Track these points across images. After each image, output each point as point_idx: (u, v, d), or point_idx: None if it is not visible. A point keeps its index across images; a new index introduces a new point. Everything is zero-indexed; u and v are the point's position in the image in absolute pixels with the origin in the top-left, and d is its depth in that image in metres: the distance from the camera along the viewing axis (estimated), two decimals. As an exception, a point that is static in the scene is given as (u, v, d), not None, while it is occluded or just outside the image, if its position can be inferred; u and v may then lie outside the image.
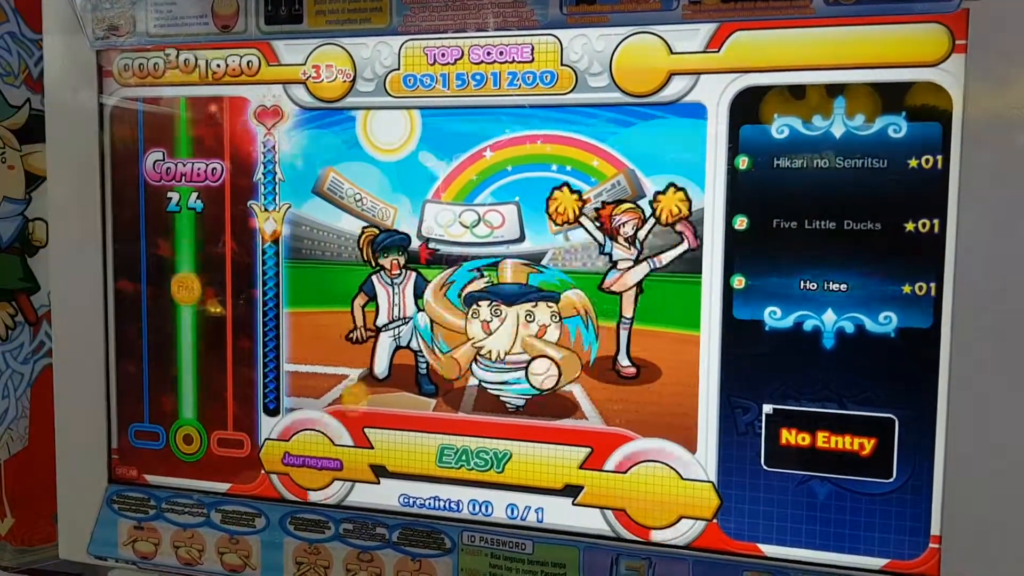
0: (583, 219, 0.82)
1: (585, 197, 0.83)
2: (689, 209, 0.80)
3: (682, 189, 0.80)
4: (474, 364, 0.87)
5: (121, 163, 0.96)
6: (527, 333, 0.86)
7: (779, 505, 0.80)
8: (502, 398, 0.87)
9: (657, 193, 0.81)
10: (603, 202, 0.82)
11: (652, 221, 0.81)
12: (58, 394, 1.00)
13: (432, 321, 0.88)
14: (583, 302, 0.84)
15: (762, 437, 0.80)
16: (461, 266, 0.86)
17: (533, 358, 0.85)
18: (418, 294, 0.88)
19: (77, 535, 1.00)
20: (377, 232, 0.88)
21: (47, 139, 0.98)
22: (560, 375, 0.85)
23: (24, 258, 1.07)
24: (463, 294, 0.87)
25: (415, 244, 0.88)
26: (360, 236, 0.89)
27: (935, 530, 0.76)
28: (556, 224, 0.83)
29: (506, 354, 0.86)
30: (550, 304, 0.85)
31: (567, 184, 0.83)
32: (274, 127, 0.91)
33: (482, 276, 0.86)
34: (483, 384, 0.87)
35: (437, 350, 0.88)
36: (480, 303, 0.86)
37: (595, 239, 0.83)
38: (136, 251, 0.97)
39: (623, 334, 0.83)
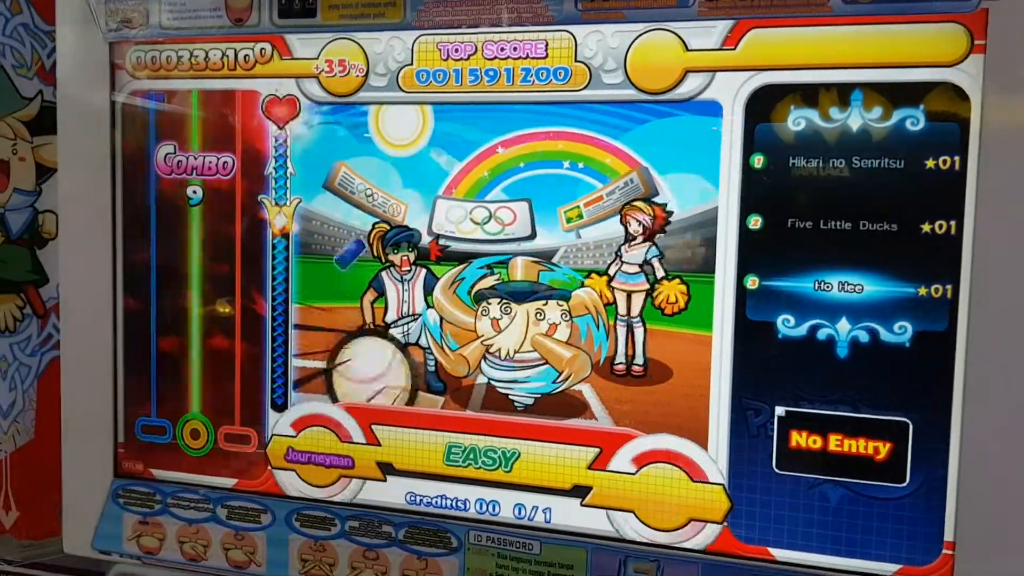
0: (615, 283, 0.82)
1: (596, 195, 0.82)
2: (687, 304, 0.80)
3: (686, 283, 0.80)
4: (483, 362, 0.87)
5: (132, 156, 0.96)
6: (537, 331, 0.85)
7: (790, 509, 0.79)
8: (511, 397, 0.86)
9: (661, 278, 0.81)
10: (629, 201, 0.82)
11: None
12: (65, 387, 0.99)
13: (441, 318, 0.87)
14: (594, 301, 0.83)
15: (774, 440, 0.79)
16: (471, 263, 0.86)
17: (543, 357, 0.85)
18: (428, 291, 0.88)
19: (82, 529, 1.00)
20: (388, 228, 0.88)
21: (59, 131, 0.98)
22: (570, 375, 0.84)
23: (33, 250, 1.07)
24: (473, 291, 0.86)
25: (425, 240, 0.87)
26: (371, 232, 0.88)
27: (949, 536, 0.75)
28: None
29: (515, 352, 0.85)
30: (560, 302, 0.84)
31: (595, 271, 0.83)
32: (286, 122, 0.90)
33: (492, 273, 0.85)
34: (492, 382, 0.87)
35: (446, 347, 0.88)
36: (490, 300, 0.86)
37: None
38: (146, 244, 0.96)
39: (638, 332, 0.82)
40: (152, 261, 0.96)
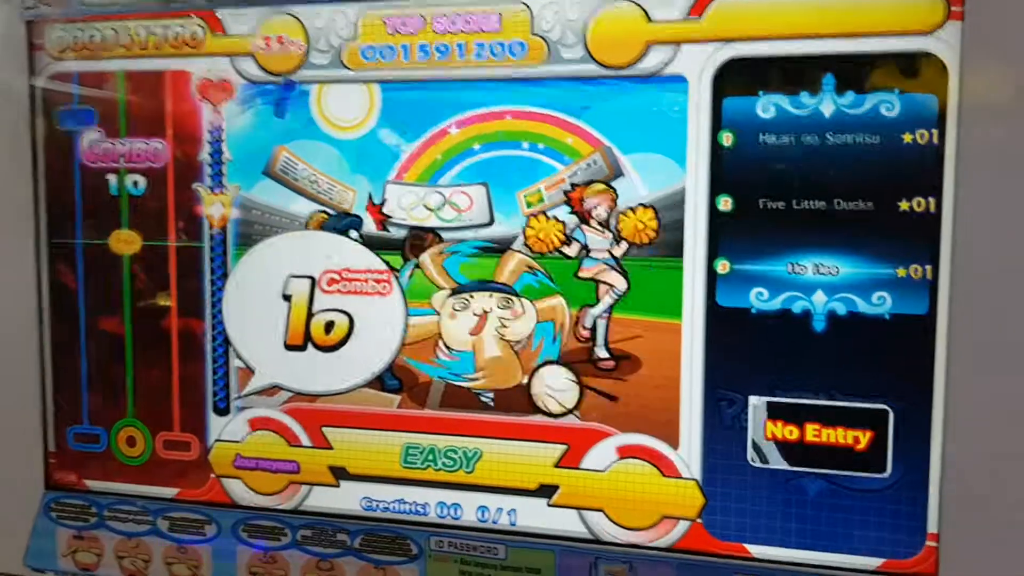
0: (573, 237, 0.78)
1: (555, 182, 0.77)
2: (657, 231, 0.76)
3: (650, 207, 0.76)
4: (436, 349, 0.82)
5: (54, 144, 0.90)
6: (494, 324, 0.80)
7: (767, 503, 0.76)
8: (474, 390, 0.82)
9: (620, 213, 0.76)
10: (572, 184, 0.77)
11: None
12: (-12, 394, 0.93)
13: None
14: (563, 313, 0.78)
15: (748, 431, 0.75)
16: (467, 240, 0.80)
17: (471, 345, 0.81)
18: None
19: (12, 546, 0.94)
20: (326, 217, 0.83)
21: (-28, 118, 0.91)
22: (485, 376, 0.81)
23: (-51, 248, 1.00)
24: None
25: (368, 220, 0.82)
26: (308, 222, 0.83)
27: (932, 528, 0.72)
28: (532, 252, 0.79)
29: (460, 344, 0.81)
30: (527, 302, 0.79)
31: (543, 213, 0.78)
32: (221, 103, 0.84)
33: (482, 255, 0.80)
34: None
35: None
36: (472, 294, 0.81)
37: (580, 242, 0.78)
38: (72, 238, 0.90)
39: (600, 324, 0.78)
40: (79, 256, 0.90)
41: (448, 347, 0.81)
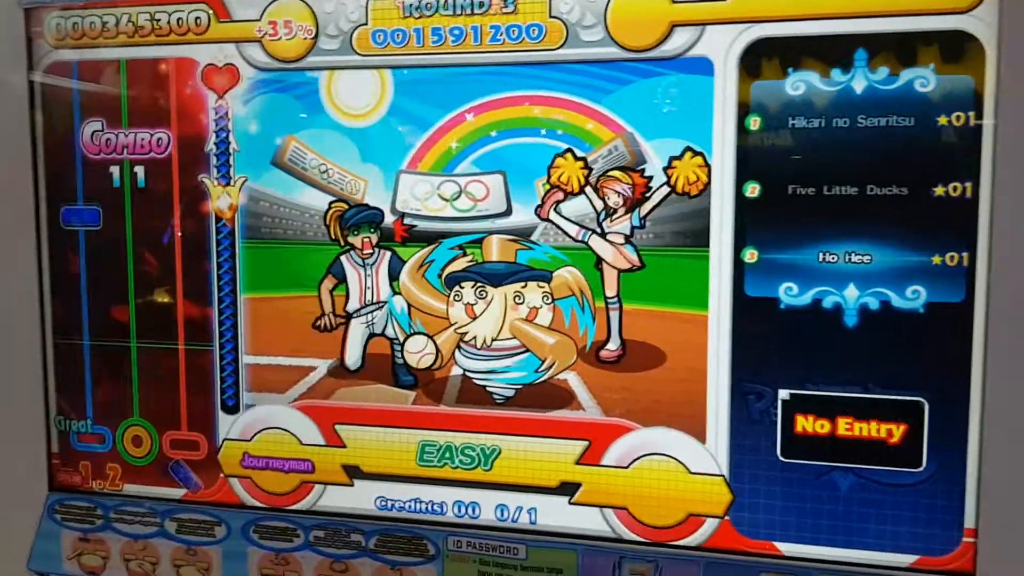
0: (587, 189, 0.75)
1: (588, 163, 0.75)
2: (708, 176, 0.72)
3: (700, 153, 0.73)
4: (457, 352, 0.79)
5: (55, 134, 0.88)
6: (516, 316, 0.78)
7: (797, 499, 0.74)
8: (489, 388, 0.79)
9: (672, 158, 0.73)
10: (604, 171, 0.75)
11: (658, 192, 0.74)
12: (-9, 396, 0.91)
13: (409, 305, 0.80)
14: (578, 281, 0.76)
15: (778, 425, 0.73)
16: (441, 244, 0.79)
17: (523, 344, 0.78)
18: (393, 275, 0.80)
19: (16, 549, 0.92)
20: (346, 207, 0.80)
21: (-30, 112, 0.89)
22: (554, 363, 0.78)
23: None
24: (444, 274, 0.79)
25: (389, 219, 0.80)
26: (327, 212, 0.81)
27: (969, 523, 0.70)
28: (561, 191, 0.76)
29: (493, 340, 0.79)
30: (541, 284, 0.77)
31: (571, 150, 0.75)
32: (227, 91, 0.82)
33: (464, 254, 0.78)
34: (468, 373, 0.80)
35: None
36: (463, 284, 0.79)
37: (594, 208, 0.75)
38: (74, 231, 0.88)
39: (613, 314, 0.76)
40: (82, 252, 0.88)
41: (477, 345, 0.79)
